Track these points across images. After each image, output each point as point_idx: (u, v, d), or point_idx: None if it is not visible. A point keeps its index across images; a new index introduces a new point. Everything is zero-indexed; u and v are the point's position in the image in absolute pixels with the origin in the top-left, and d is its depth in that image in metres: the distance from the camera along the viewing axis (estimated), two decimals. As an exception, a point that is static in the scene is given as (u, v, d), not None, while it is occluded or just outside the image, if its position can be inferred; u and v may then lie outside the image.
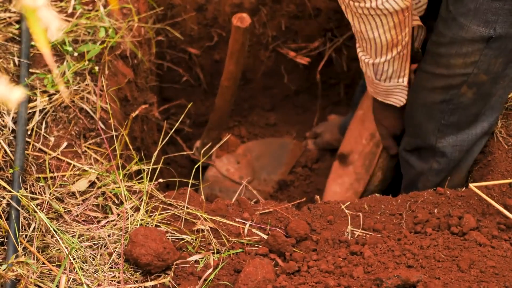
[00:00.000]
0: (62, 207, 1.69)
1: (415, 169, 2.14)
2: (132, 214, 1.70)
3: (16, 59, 1.99)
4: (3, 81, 0.78)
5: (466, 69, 1.86)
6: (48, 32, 0.80)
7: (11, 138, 1.78)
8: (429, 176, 2.09)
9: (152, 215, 1.70)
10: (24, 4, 0.77)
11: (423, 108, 2.02)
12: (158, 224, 1.68)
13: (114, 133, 1.92)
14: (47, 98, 1.92)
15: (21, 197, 1.64)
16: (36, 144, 1.81)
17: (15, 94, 0.78)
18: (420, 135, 2.07)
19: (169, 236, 1.66)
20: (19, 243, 1.56)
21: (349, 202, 1.84)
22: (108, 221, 1.68)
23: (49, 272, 1.53)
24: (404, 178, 2.26)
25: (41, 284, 1.50)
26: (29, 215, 1.63)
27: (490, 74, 1.87)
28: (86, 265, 1.56)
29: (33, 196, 1.69)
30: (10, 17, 2.12)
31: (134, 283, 1.55)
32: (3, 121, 1.82)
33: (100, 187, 1.76)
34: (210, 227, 1.69)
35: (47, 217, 1.63)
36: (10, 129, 1.80)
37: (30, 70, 1.98)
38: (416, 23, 2.04)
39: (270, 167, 2.88)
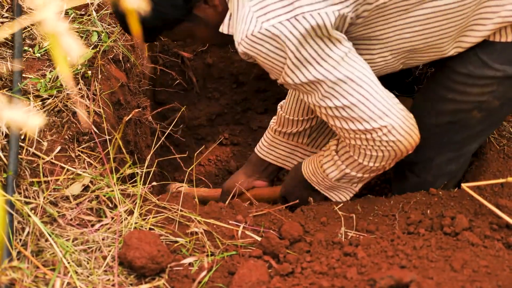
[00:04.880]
0: (56, 211, 1.69)
1: (409, 181, 2.10)
2: (126, 218, 1.70)
3: (9, 64, 1.99)
4: (22, 107, 0.79)
5: (481, 97, 1.84)
6: (69, 57, 0.80)
7: (5, 142, 1.78)
8: (423, 188, 2.05)
9: (146, 218, 1.71)
10: (47, 29, 0.77)
11: (425, 127, 1.94)
12: (152, 227, 1.69)
13: (107, 137, 1.92)
14: (40, 103, 1.92)
15: (15, 202, 1.64)
16: (29, 148, 1.81)
17: (35, 121, 0.79)
18: (419, 150, 2.02)
19: (163, 239, 1.66)
20: (13, 247, 1.56)
21: (342, 204, 1.85)
22: (102, 225, 1.69)
23: (44, 276, 1.53)
24: (396, 187, 2.21)
25: (35, 288, 1.51)
26: (23, 219, 1.63)
27: (503, 99, 1.86)
28: (81, 269, 1.56)
29: (27, 200, 1.69)
30: (2, 22, 2.12)
31: (129, 286, 1.55)
32: (-4, 125, 1.82)
33: (93, 191, 1.76)
34: (204, 230, 1.69)
35: (41, 221, 1.63)
36: (4, 134, 1.80)
37: (23, 75, 1.98)
38: None
39: None
